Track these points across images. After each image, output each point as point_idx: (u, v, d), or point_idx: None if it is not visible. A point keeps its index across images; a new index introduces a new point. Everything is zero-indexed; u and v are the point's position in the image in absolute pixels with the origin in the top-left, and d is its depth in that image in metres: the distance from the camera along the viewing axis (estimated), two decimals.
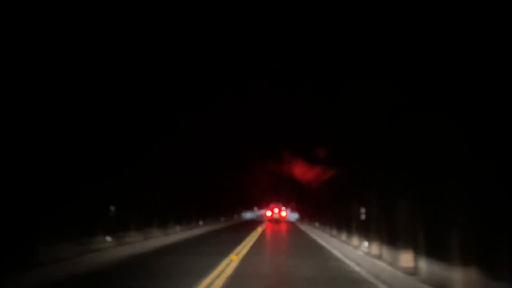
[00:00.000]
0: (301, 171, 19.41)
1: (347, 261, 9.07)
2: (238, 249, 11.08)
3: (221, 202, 26.77)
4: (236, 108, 11.13)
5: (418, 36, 5.55)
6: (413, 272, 6.78)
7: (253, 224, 29.58)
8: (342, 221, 14.09)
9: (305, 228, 25.17)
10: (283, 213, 36.61)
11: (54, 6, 5.49)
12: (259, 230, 22.69)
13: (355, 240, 11.55)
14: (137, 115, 9.64)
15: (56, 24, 5.83)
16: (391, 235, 8.06)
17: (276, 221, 34.12)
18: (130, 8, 5.94)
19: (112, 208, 10.15)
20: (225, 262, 8.26)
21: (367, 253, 9.55)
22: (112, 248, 9.74)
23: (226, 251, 10.03)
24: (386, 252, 8.37)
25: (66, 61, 6.66)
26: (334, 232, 16.12)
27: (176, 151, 13.50)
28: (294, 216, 38.75)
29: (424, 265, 6.47)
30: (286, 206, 39.28)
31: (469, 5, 4.59)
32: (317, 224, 22.41)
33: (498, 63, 4.77)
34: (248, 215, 43.69)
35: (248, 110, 11.21)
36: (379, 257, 8.75)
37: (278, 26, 6.50)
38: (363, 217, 10.36)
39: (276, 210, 36.20)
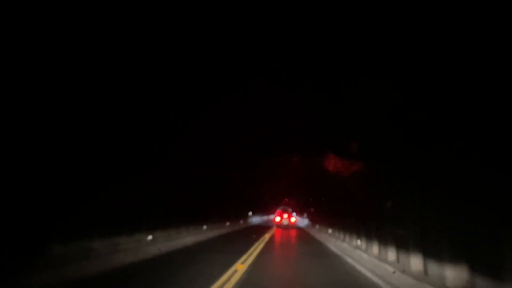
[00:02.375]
0: (317, 170, 18.59)
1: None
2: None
3: (226, 207, 26.02)
4: (236, 108, 11.00)
5: (418, 36, 5.53)
6: None
7: (261, 229, 29.10)
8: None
9: (322, 237, 21.10)
10: (293, 219, 35.95)
11: (53, 5, 5.48)
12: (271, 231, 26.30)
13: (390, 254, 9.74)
14: (138, 117, 9.63)
15: (55, 24, 5.80)
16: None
17: (285, 227, 33.57)
18: (130, 8, 5.92)
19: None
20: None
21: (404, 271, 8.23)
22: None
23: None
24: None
25: (66, 63, 6.67)
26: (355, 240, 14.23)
27: (178, 154, 13.37)
28: (303, 222, 37.89)
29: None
30: (296, 211, 38.36)
31: (469, 5, 4.57)
32: (330, 231, 20.36)
33: (499, 63, 4.75)
34: (255, 219, 42.73)
35: (248, 110, 11.22)
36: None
37: (278, 26, 6.46)
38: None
39: (285, 215, 35.55)
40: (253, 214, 41.50)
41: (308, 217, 36.32)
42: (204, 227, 20.41)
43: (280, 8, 6.02)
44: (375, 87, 7.46)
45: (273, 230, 29.22)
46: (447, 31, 5.12)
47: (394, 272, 7.70)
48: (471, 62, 5.11)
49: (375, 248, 10.79)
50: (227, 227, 26.38)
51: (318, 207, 26.90)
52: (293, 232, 28.04)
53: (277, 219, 35.73)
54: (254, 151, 17.22)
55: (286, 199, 39.33)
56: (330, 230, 19.23)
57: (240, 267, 9.53)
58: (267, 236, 21.17)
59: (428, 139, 6.84)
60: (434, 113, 6.37)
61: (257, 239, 18.51)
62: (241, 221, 33.17)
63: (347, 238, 15.06)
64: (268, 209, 46.37)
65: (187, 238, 15.81)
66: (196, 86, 9.11)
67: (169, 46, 7.14)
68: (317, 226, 27.72)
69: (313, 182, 21.99)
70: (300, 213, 39.70)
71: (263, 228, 30.78)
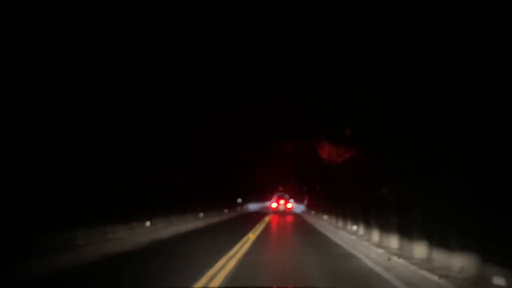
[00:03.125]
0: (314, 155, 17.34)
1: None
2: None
3: (221, 194, 24.70)
4: (236, 108, 11.16)
5: (418, 36, 5.53)
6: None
7: (251, 220, 23.23)
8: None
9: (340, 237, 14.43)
10: (289, 205, 35.71)
11: (53, 5, 5.49)
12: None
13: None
14: (138, 116, 9.69)
15: (55, 23, 5.81)
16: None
17: (282, 213, 33.37)
18: (130, 8, 5.94)
19: None
20: None
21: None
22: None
23: None
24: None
25: (66, 62, 6.67)
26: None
27: (178, 149, 13.30)
28: (299, 208, 37.26)
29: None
30: (292, 197, 37.81)
31: (469, 5, 4.58)
32: (354, 228, 16.85)
33: (498, 63, 4.73)
34: (251, 206, 41.67)
35: (248, 110, 11.24)
36: None
37: (278, 26, 6.49)
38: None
39: (281, 201, 35.32)
40: (250, 201, 40.07)
41: (307, 205, 34.68)
42: (147, 223, 13.03)
43: (280, 8, 6.04)
44: (370, 76, 7.40)
45: (267, 220, 23.44)
46: (446, 31, 5.11)
47: None
48: (471, 62, 5.08)
49: None
50: (200, 219, 19.34)
51: (321, 195, 23.33)
52: (292, 227, 20.92)
53: (274, 205, 35.54)
54: (247, 138, 16.65)
55: (281, 187, 38.80)
56: (354, 227, 12.97)
57: None
58: (251, 237, 12.61)
59: (421, 129, 6.79)
60: (431, 106, 6.32)
61: (229, 246, 9.85)
62: (225, 210, 27.29)
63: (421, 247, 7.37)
64: (265, 196, 45.15)
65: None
66: (196, 86, 9.18)
67: (170, 46, 7.16)
68: (325, 217, 20.67)
69: (311, 169, 20.96)
70: (296, 200, 38.75)
71: (254, 218, 24.12)
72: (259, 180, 33.44)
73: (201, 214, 20.15)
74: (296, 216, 31.06)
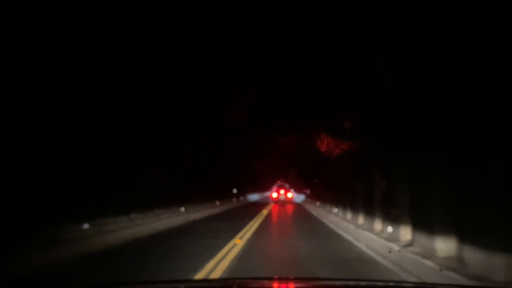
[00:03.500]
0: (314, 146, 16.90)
1: None
2: None
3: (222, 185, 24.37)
4: (234, 98, 11.28)
5: (418, 25, 5.56)
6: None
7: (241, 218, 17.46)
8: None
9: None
10: (289, 194, 36.10)
11: (53, 3, 5.64)
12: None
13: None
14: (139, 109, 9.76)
15: (54, 20, 5.91)
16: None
17: (282, 203, 33.72)
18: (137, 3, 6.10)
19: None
20: None
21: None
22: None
23: None
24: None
25: (63, 60, 6.75)
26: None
27: (162, 138, 12.75)
28: (300, 197, 37.70)
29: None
30: (293, 186, 38.05)
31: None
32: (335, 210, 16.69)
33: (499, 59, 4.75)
34: (252, 197, 42.00)
35: (247, 101, 11.26)
36: None
37: (281, 18, 6.59)
38: None
39: (282, 191, 35.64)
40: (249, 192, 39.83)
41: (309, 195, 34.28)
42: (85, 226, 9.08)
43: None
44: (370, 66, 7.49)
45: (264, 214, 20.22)
46: (447, 30, 5.19)
47: None
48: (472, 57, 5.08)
49: None
50: (180, 215, 16.04)
51: (329, 183, 20.50)
52: (296, 224, 17.15)
53: (274, 195, 36.19)
54: (247, 129, 16.03)
55: (281, 178, 39.14)
56: (389, 229, 8.89)
57: None
58: (238, 244, 9.14)
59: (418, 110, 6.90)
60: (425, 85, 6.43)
61: (195, 267, 6.38)
62: (217, 203, 24.66)
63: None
64: (265, 186, 45.55)
65: None
66: (189, 69, 9.08)
67: (173, 40, 7.30)
68: (335, 210, 17.48)
69: (314, 157, 19.29)
70: (297, 190, 38.87)
71: (249, 212, 20.69)
72: (259, 170, 33.09)
73: (182, 208, 16.60)
74: (298, 207, 30.07)
